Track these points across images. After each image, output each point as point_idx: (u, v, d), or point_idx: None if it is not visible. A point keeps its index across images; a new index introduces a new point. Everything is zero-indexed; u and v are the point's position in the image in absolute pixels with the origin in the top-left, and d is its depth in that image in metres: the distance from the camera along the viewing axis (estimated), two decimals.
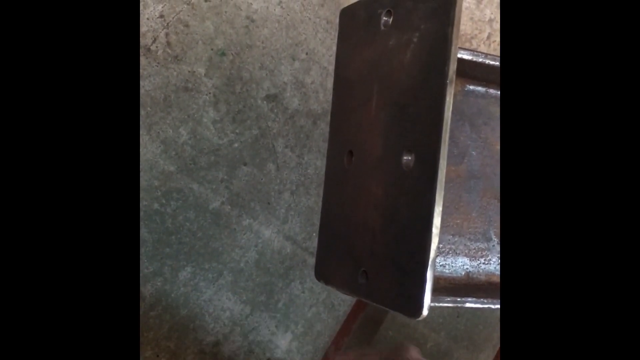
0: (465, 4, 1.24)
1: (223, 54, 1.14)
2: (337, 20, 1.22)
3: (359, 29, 0.49)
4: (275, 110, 1.17)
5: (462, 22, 1.29)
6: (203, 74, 1.12)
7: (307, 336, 1.21)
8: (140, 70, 1.09)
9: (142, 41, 1.10)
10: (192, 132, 1.13)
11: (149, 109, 1.12)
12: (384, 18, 0.47)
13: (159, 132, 1.12)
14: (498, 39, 1.27)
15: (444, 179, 0.41)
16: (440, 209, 0.41)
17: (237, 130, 1.15)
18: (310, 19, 1.17)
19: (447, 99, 0.41)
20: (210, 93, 1.13)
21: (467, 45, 1.24)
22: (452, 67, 0.41)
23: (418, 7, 0.44)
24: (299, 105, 1.18)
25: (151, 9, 1.10)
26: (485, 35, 1.27)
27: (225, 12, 1.12)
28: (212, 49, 1.13)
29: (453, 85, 0.41)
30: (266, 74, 1.16)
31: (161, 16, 1.11)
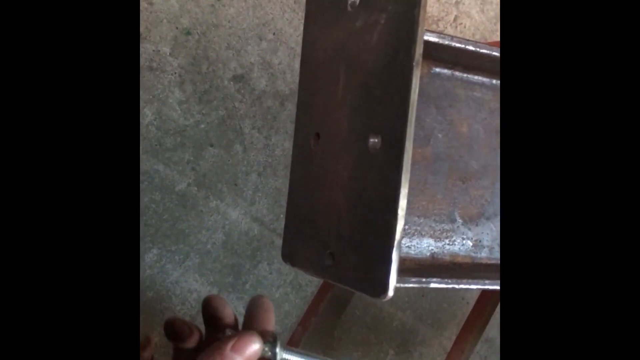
0: None
1: (188, 33, 1.12)
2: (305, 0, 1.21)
3: (326, 9, 0.49)
4: (242, 91, 1.16)
5: (429, 4, 1.29)
6: (168, 53, 1.10)
7: (275, 317, 1.22)
8: None
9: None
10: (157, 112, 1.11)
11: None
12: None
13: None
14: (465, 21, 1.28)
15: (410, 162, 0.41)
16: (407, 191, 0.42)
17: (203, 111, 1.14)
18: None
19: (414, 81, 0.41)
20: (175, 73, 1.11)
21: (433, 27, 1.25)
22: (419, 49, 0.41)
23: None
24: (266, 86, 1.17)
25: None
26: (452, 17, 1.28)
27: None
28: (177, 28, 1.10)
29: (419, 67, 0.41)
30: (233, 54, 1.14)
31: None
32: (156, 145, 1.15)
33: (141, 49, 1.11)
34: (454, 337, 1.09)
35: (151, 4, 1.11)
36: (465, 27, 1.29)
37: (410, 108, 0.41)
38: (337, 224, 0.46)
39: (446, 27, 1.27)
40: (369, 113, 0.45)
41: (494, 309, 0.98)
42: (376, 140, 0.44)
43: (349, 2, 0.47)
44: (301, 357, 0.46)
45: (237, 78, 1.17)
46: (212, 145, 1.17)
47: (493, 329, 1.35)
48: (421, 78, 0.49)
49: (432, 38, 0.46)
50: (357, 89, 0.46)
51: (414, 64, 0.41)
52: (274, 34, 1.19)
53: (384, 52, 0.44)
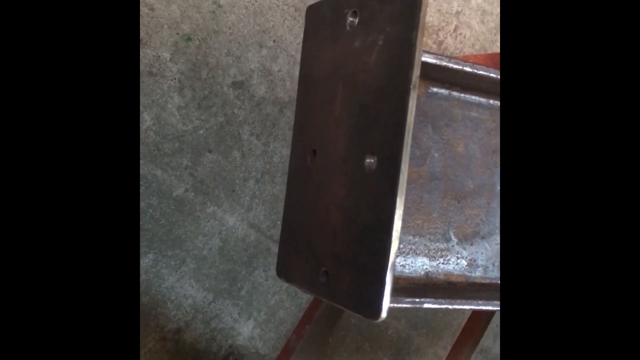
0: None
1: (189, 39, 1.12)
2: (305, 8, 1.21)
3: (325, 28, 0.49)
4: (242, 98, 1.16)
5: (429, 14, 1.29)
6: (168, 59, 1.10)
7: (269, 323, 1.22)
8: None
9: None
10: (156, 117, 1.11)
11: None
12: (350, 18, 0.47)
13: None
14: (464, 31, 1.28)
15: (405, 183, 0.42)
16: (402, 212, 0.42)
17: (202, 117, 1.14)
18: (278, 6, 1.16)
19: (410, 103, 0.41)
20: (175, 78, 1.11)
21: (433, 37, 1.25)
22: (416, 72, 0.41)
23: (384, 9, 0.44)
24: (266, 93, 1.17)
25: None
26: (452, 27, 1.28)
27: None
28: (177, 34, 1.10)
29: (416, 89, 0.41)
30: (233, 61, 1.14)
31: None
32: (154, 150, 1.15)
33: (141, 54, 1.11)
34: (448, 347, 1.10)
35: (152, 9, 1.11)
36: (465, 37, 1.29)
37: (406, 130, 0.41)
38: (332, 242, 0.46)
39: (446, 37, 1.28)
40: (366, 133, 0.45)
41: (490, 319, 0.98)
42: (372, 160, 0.44)
43: (348, 22, 0.47)
44: None
45: (237, 84, 1.17)
46: (210, 151, 1.17)
47: (488, 338, 1.35)
48: (418, 97, 0.49)
49: (430, 59, 0.46)
50: (354, 108, 0.46)
51: (411, 86, 0.41)
52: (274, 41, 1.19)
53: (382, 73, 0.44)
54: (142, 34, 1.10)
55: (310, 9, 0.52)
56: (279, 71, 1.19)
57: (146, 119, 1.13)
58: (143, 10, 1.10)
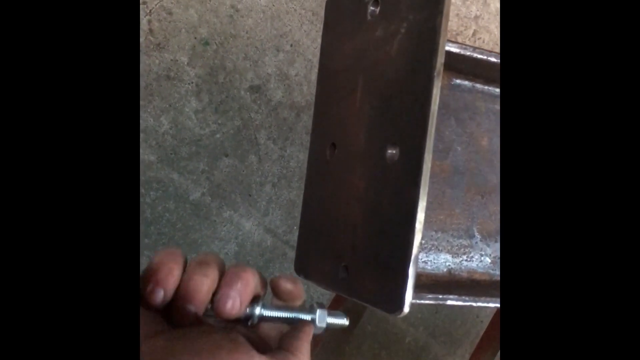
0: (451, 0, 1.23)
1: (207, 43, 1.12)
2: (323, 11, 1.21)
3: (345, 19, 0.48)
4: (259, 102, 1.15)
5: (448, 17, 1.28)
6: (186, 63, 1.10)
7: None
8: None
9: None
10: (174, 121, 1.11)
11: None
12: (371, 8, 0.46)
13: (140, 121, 1.10)
14: (483, 35, 1.27)
15: (428, 173, 0.40)
16: (424, 204, 0.41)
17: (219, 121, 1.13)
18: (295, 10, 1.16)
19: (434, 92, 0.40)
20: (192, 82, 1.11)
21: None
22: (440, 59, 0.40)
23: None
24: (283, 97, 1.17)
25: None
26: (471, 32, 1.27)
27: (210, 0, 1.10)
28: (195, 38, 1.11)
29: (440, 78, 0.40)
30: (250, 65, 1.14)
31: (144, 2, 1.09)
32: (171, 154, 1.15)
33: (159, 58, 1.12)
34: (467, 356, 1.07)
35: (170, 13, 1.12)
36: (483, 41, 1.28)
37: (430, 119, 0.40)
38: (352, 237, 0.45)
39: (465, 42, 1.27)
40: (387, 124, 0.44)
41: None
42: (394, 151, 0.43)
43: (369, 11, 0.46)
44: (279, 312, 0.44)
45: (254, 89, 1.17)
46: (227, 155, 1.17)
47: None
48: (442, 89, 0.48)
49: (454, 49, 0.45)
50: (376, 100, 0.45)
51: (435, 74, 0.40)
52: (291, 45, 1.19)
53: (404, 62, 0.43)
54: (159, 38, 1.11)
55: (330, 1, 0.51)
56: (296, 75, 1.18)
57: (163, 122, 1.13)
58: (161, 14, 1.10)
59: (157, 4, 1.10)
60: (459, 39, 1.25)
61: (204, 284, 0.41)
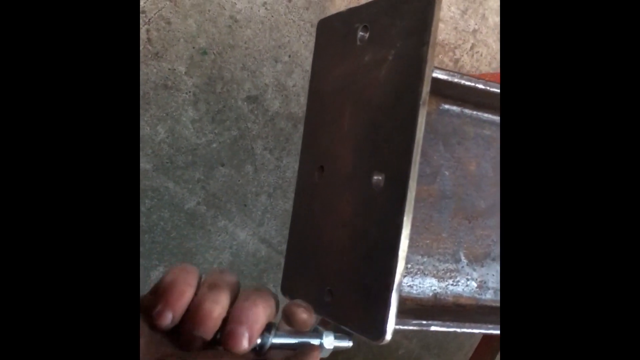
0: (449, 14, 1.24)
1: (205, 52, 1.12)
2: (310, 25, 1.21)
3: (336, 42, 0.49)
4: (256, 112, 1.16)
5: (445, 31, 1.29)
6: (183, 72, 1.11)
7: None
8: None
9: None
10: (170, 130, 1.11)
11: None
12: (361, 33, 0.46)
13: None
14: (481, 49, 1.27)
15: (413, 202, 0.40)
16: (409, 232, 0.41)
17: (216, 131, 1.14)
18: (294, 21, 1.16)
19: (420, 120, 0.40)
20: (190, 92, 1.12)
21: (450, 55, 1.24)
22: (426, 88, 0.40)
23: (395, 24, 0.43)
24: (280, 107, 1.17)
25: None
26: (469, 45, 1.27)
27: (209, 10, 1.11)
28: (193, 47, 1.11)
29: (426, 106, 0.40)
30: (248, 75, 1.14)
31: (142, 12, 1.09)
32: (167, 162, 1.15)
33: (157, 67, 1.12)
34: None
35: (169, 23, 1.12)
36: (481, 55, 1.28)
37: (415, 147, 0.40)
38: (337, 261, 0.45)
39: (462, 55, 1.27)
40: (374, 149, 0.44)
41: None
42: (380, 177, 0.43)
43: (358, 37, 0.47)
44: (289, 339, 0.44)
45: (251, 99, 1.17)
46: (223, 165, 1.17)
47: None
48: (430, 114, 0.48)
49: (442, 75, 0.45)
50: (363, 124, 0.45)
51: (420, 102, 0.40)
52: (289, 56, 1.19)
53: (391, 88, 0.43)
54: (158, 47, 1.11)
55: (322, 23, 0.52)
56: (293, 86, 1.19)
57: (160, 131, 1.13)
58: (160, 24, 1.11)
59: (156, 13, 1.10)
60: (457, 52, 1.25)
61: (214, 311, 0.39)
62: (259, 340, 0.42)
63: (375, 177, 0.43)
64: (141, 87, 1.09)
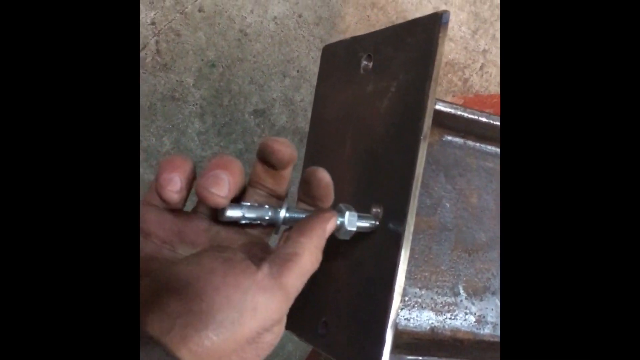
0: (460, 34, 1.23)
1: (213, 65, 1.12)
2: (332, 39, 1.21)
3: (339, 69, 0.48)
4: (262, 126, 1.15)
5: (455, 50, 1.28)
6: (191, 84, 1.11)
7: (277, 357, 1.20)
8: None
9: None
10: (176, 142, 1.11)
11: None
12: (364, 62, 0.46)
13: (141, 140, 1.10)
14: (491, 69, 1.26)
15: (410, 238, 0.40)
16: (405, 267, 0.40)
17: (221, 144, 1.13)
18: (304, 36, 1.16)
19: (420, 154, 0.39)
20: (197, 104, 1.12)
21: (459, 74, 1.24)
22: (427, 123, 0.40)
23: (398, 55, 0.43)
24: (287, 122, 1.17)
25: (143, 15, 1.08)
26: (479, 65, 1.26)
27: (219, 23, 1.11)
28: (202, 60, 1.11)
29: (427, 141, 0.40)
30: (255, 89, 1.14)
31: (152, 23, 1.09)
32: None
33: (165, 79, 1.12)
34: None
35: (179, 35, 1.12)
36: (491, 75, 1.27)
37: (414, 182, 0.39)
38: (334, 292, 0.45)
39: (472, 75, 1.26)
40: (373, 181, 0.43)
41: None
42: (378, 210, 0.42)
43: (362, 65, 0.46)
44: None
45: (258, 112, 1.17)
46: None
47: None
48: (432, 145, 0.47)
49: (444, 108, 0.44)
50: (364, 154, 0.44)
51: (421, 137, 0.40)
52: (297, 71, 1.19)
53: (392, 120, 0.42)
54: (167, 59, 1.11)
55: (326, 49, 0.51)
56: (300, 101, 1.18)
57: (166, 142, 1.13)
58: (169, 35, 1.11)
59: (166, 25, 1.10)
60: (466, 72, 1.25)
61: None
62: (269, 214, 0.40)
63: (374, 210, 0.43)
64: (148, 98, 1.09)
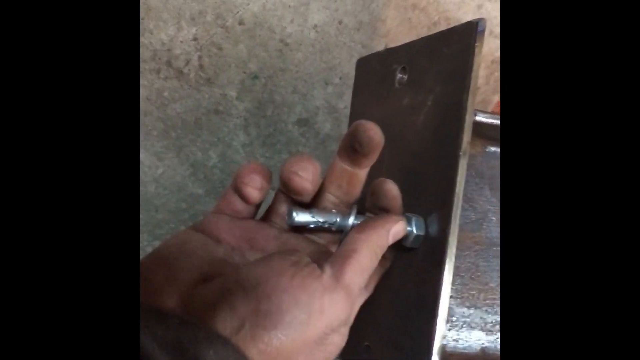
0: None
1: (255, 77, 1.12)
2: (373, 44, 1.19)
3: (374, 82, 0.46)
4: (307, 135, 1.15)
5: (482, 66, 1.23)
6: (235, 97, 1.11)
7: None
8: (172, 93, 1.09)
9: (175, 64, 1.10)
10: (222, 155, 1.12)
11: (179, 131, 1.11)
12: (399, 75, 0.44)
13: (188, 155, 1.11)
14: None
15: (453, 259, 0.38)
16: (449, 290, 0.38)
17: (266, 154, 1.13)
18: (345, 43, 1.14)
19: (460, 171, 0.37)
20: (241, 116, 1.12)
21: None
22: (466, 138, 0.38)
23: (433, 68, 0.41)
24: (331, 130, 1.15)
25: (185, 32, 1.09)
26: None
27: (259, 35, 1.11)
28: (244, 72, 1.11)
29: (467, 157, 0.37)
30: (298, 98, 1.14)
31: (195, 39, 1.10)
32: (219, 187, 1.16)
33: (209, 93, 1.13)
34: None
35: (220, 49, 1.13)
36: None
37: (455, 200, 0.37)
38: (375, 316, 0.43)
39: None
40: (411, 199, 0.41)
41: None
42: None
43: (397, 79, 0.44)
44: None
45: (302, 122, 1.17)
46: (274, 189, 1.16)
47: None
48: (474, 157, 0.45)
49: (485, 119, 0.42)
50: (400, 171, 0.42)
51: (460, 153, 0.38)
52: (340, 78, 1.17)
53: (430, 136, 0.40)
54: (210, 73, 1.12)
55: (360, 62, 0.49)
56: (344, 108, 1.17)
57: (212, 156, 1.14)
58: (212, 50, 1.12)
59: (208, 39, 1.11)
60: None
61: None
62: (337, 220, 0.40)
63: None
64: (193, 113, 1.10)
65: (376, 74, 0.46)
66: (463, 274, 0.47)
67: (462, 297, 0.47)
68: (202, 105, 1.10)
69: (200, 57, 1.10)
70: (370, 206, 0.43)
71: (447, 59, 0.39)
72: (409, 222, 0.40)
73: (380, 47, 1.19)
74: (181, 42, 1.10)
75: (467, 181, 0.39)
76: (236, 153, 1.15)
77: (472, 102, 0.38)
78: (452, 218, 0.37)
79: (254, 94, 1.12)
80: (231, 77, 1.11)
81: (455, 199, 0.38)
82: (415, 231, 0.40)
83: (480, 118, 0.42)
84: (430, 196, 0.40)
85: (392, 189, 0.41)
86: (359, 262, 0.38)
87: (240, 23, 1.12)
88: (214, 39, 1.10)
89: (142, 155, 1.07)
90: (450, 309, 0.40)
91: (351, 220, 0.40)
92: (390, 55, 0.45)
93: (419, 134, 0.41)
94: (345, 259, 0.38)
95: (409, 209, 0.41)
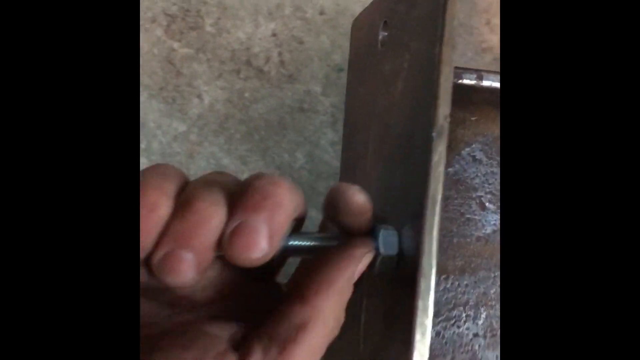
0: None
1: (340, 69, 1.04)
2: (472, 22, 1.04)
3: (362, 49, 0.35)
4: None
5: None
6: (319, 93, 1.04)
7: None
8: (253, 94, 1.05)
9: (255, 63, 1.06)
10: (309, 155, 1.05)
11: (263, 132, 1.07)
12: (381, 32, 0.32)
13: (273, 157, 1.06)
14: None
15: (432, 285, 0.25)
16: (429, 317, 0.26)
17: None
18: None
19: (435, 160, 0.25)
20: (327, 112, 1.04)
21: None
22: (442, 110, 0.25)
23: (410, 14, 0.28)
24: None
25: (263, 28, 1.05)
26: None
27: (342, 24, 1.02)
28: (328, 65, 1.04)
29: (444, 139, 0.25)
30: None
31: (274, 35, 1.05)
32: (309, 190, 1.09)
33: (291, 90, 1.08)
34: None
35: (301, 42, 1.07)
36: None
37: (428, 205, 0.25)
38: (357, 330, 0.32)
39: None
40: (389, 203, 0.29)
41: None
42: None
43: (379, 38, 0.33)
44: (305, 242, 0.30)
45: None
46: None
47: None
48: (469, 143, 0.32)
49: (473, 82, 0.29)
50: (380, 165, 0.31)
51: (433, 134, 0.25)
52: None
53: (406, 111, 0.28)
54: (292, 69, 1.07)
55: (354, 24, 0.38)
56: None
57: (299, 157, 1.08)
58: (293, 44, 1.06)
59: (288, 34, 1.06)
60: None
61: (212, 217, 0.25)
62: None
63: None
64: (277, 113, 1.05)
65: (363, 36, 0.35)
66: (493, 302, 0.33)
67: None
68: (285, 103, 1.05)
69: (280, 53, 1.05)
70: (327, 217, 0.31)
71: (421, 2, 0.27)
72: (375, 237, 0.28)
73: (480, 24, 1.04)
74: (260, 39, 1.06)
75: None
76: (325, 152, 1.07)
77: (448, 59, 0.25)
78: (426, 230, 0.25)
79: (339, 88, 1.04)
80: (314, 72, 1.04)
81: (430, 204, 0.25)
82: (383, 250, 0.27)
83: (467, 81, 0.28)
84: (403, 200, 0.27)
85: (357, 201, 0.27)
86: (309, 346, 0.25)
87: (321, 13, 1.05)
88: (293, 32, 1.04)
89: (227, 160, 1.04)
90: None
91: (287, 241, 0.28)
92: (376, 8, 0.33)
93: (397, 109, 0.29)
94: (287, 345, 0.25)
95: (384, 217, 0.29)
